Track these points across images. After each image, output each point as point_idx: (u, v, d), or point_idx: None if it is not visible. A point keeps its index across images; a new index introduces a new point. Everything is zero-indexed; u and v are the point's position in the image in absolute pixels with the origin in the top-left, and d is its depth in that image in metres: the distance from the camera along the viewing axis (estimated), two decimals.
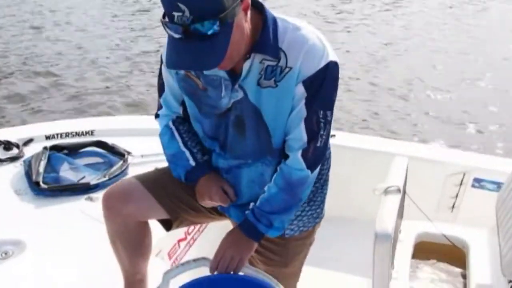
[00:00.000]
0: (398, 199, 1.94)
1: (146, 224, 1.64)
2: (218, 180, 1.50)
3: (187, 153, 1.51)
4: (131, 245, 1.62)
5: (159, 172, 1.63)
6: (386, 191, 1.96)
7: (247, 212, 1.46)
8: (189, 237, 2.42)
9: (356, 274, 2.48)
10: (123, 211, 1.54)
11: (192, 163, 1.50)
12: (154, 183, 1.57)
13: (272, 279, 1.42)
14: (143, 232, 1.64)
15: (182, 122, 1.54)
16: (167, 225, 1.62)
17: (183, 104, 1.50)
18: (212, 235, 2.39)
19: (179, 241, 2.34)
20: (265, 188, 1.44)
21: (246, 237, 1.44)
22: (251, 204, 1.46)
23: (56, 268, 1.91)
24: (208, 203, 1.51)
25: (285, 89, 1.31)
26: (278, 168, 1.42)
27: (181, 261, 2.34)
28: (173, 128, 1.52)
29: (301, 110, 1.33)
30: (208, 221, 1.78)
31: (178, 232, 2.30)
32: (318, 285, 2.38)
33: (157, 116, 1.57)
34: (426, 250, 2.31)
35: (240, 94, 1.35)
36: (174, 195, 1.57)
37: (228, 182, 1.51)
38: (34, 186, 2.31)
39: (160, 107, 1.55)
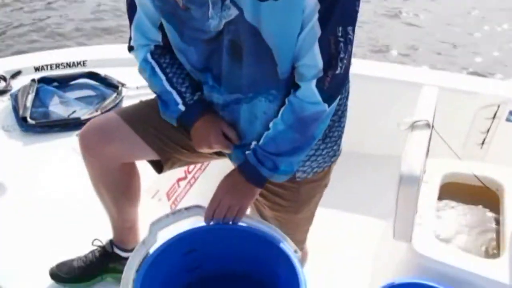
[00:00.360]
0: (427, 135, 1.69)
1: (132, 166, 1.41)
2: (215, 122, 1.25)
3: (174, 94, 1.25)
4: (116, 191, 1.41)
5: (144, 105, 1.38)
6: (413, 126, 1.71)
7: (247, 152, 1.22)
8: (189, 176, 2.21)
9: (375, 216, 2.28)
10: (103, 153, 1.32)
11: (182, 107, 1.25)
12: (138, 118, 1.33)
13: (277, 230, 1.21)
14: (129, 175, 1.42)
15: (163, 53, 1.26)
16: (158, 166, 1.40)
17: (162, 28, 1.22)
18: (216, 172, 2.17)
19: (178, 180, 2.14)
20: (271, 125, 1.19)
21: (246, 183, 1.21)
22: (253, 143, 1.22)
23: (42, 211, 1.75)
24: (207, 151, 1.28)
25: (292, 0, 1.03)
26: (287, 101, 1.16)
27: (181, 202, 2.15)
28: (153, 62, 1.26)
29: (314, 27, 1.05)
30: (205, 161, 1.56)
31: (177, 170, 2.09)
32: (332, 228, 2.19)
33: (131, 48, 1.30)
34: (453, 192, 2.07)
35: (233, 12, 1.07)
36: (163, 133, 1.33)
37: (227, 122, 1.26)
38: (22, 122, 2.14)
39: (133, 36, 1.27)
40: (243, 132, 1.26)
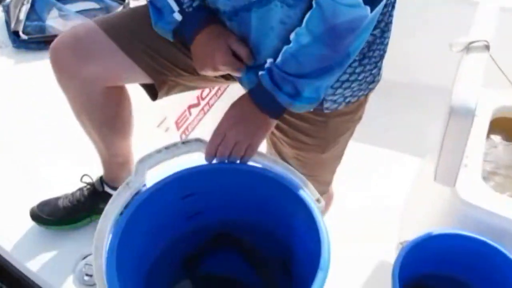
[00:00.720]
0: (484, 59, 1.39)
1: (120, 90, 1.15)
2: (221, 36, 0.97)
3: None
4: (101, 121, 1.16)
5: (132, 13, 1.10)
6: (469, 48, 1.41)
7: (261, 73, 0.94)
8: (203, 103, 1.96)
9: (412, 154, 2.01)
10: (80, 74, 1.06)
11: (178, 16, 0.98)
12: (124, 30, 1.06)
13: (297, 173, 0.96)
14: (116, 102, 1.16)
15: None
16: (152, 92, 1.14)
17: None
18: (235, 98, 1.95)
19: (189, 107, 1.89)
20: (292, 36, 0.90)
21: (258, 112, 0.94)
22: (268, 61, 0.94)
23: (28, 139, 1.55)
24: (212, 74, 1.02)
25: None
26: (315, 3, 0.86)
27: (192, 132, 1.92)
28: None
29: None
30: (210, 86, 1.29)
31: (188, 96, 1.85)
32: (361, 166, 1.93)
33: None
34: (506, 129, 1.79)
35: None
36: (156, 49, 1.06)
37: (236, 36, 0.98)
38: (14, 37, 1.91)
39: None
40: (256, 48, 0.98)
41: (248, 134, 0.94)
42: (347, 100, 1.07)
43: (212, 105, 2.04)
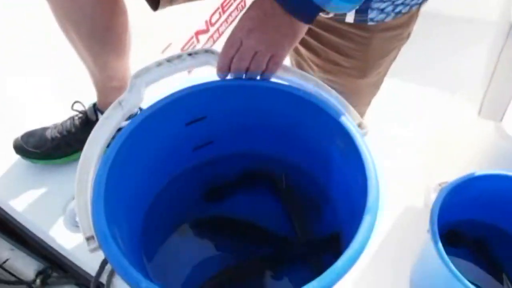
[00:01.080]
0: None
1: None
2: None
3: None
4: (91, 34, 0.97)
5: None
6: None
7: None
8: (212, 29, 1.75)
9: (448, 90, 1.80)
10: None
11: None
12: None
13: (332, 92, 0.77)
14: (109, 12, 0.96)
15: None
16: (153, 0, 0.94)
17: None
18: None
19: (197, 33, 1.69)
20: None
21: (284, 14, 0.72)
22: None
23: (12, 58, 1.38)
24: None
25: None
26: None
27: None
28: None
29: None
30: None
31: (196, 21, 1.64)
32: (392, 101, 1.73)
33: None
34: None
35: None
36: None
37: None
38: None
39: None
40: None
41: (271, 42, 0.74)
42: (398, 9, 0.86)
43: (223, 33, 1.82)
